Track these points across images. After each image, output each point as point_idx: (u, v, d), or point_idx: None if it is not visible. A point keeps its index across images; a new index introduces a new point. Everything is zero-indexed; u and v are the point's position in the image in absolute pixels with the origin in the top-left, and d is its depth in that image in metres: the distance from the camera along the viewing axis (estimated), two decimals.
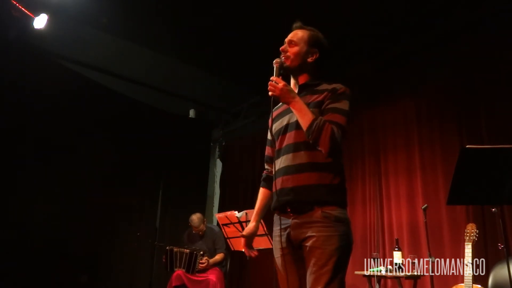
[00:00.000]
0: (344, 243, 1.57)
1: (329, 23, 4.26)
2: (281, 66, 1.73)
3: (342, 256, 1.55)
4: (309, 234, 1.58)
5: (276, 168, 1.73)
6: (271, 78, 1.65)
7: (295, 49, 1.79)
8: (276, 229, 1.73)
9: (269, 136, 1.92)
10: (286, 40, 1.83)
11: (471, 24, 3.84)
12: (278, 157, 1.75)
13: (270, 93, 1.63)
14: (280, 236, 1.70)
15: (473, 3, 3.76)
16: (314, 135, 1.57)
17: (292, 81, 1.85)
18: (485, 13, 3.74)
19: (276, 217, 1.75)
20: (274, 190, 1.72)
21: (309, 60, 1.79)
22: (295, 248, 1.65)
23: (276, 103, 1.70)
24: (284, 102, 1.66)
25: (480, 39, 3.77)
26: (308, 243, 1.58)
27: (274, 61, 1.73)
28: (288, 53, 1.79)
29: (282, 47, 1.81)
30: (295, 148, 1.68)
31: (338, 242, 1.55)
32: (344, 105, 1.67)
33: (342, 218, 1.60)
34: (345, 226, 1.60)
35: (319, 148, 1.59)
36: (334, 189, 1.62)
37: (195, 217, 4.76)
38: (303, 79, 1.81)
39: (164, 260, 4.63)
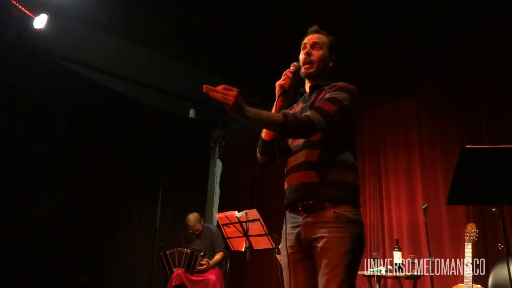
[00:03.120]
0: (357, 245, 1.54)
1: (329, 23, 4.26)
2: (296, 72, 1.69)
3: (354, 258, 1.53)
4: (320, 234, 1.55)
5: (289, 166, 1.72)
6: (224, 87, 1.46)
7: (320, 53, 1.76)
8: (285, 226, 1.70)
9: None
10: (308, 42, 1.79)
11: (471, 24, 3.84)
12: (291, 155, 1.73)
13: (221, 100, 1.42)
14: (290, 234, 1.67)
15: (473, 3, 3.76)
16: (290, 131, 1.51)
17: (307, 83, 1.84)
18: (485, 13, 3.74)
19: (287, 215, 1.71)
20: (285, 187, 1.71)
21: (330, 64, 1.80)
22: (303, 248, 1.62)
23: (285, 94, 1.66)
24: (235, 114, 1.43)
25: (480, 39, 3.78)
26: (319, 244, 1.55)
27: (292, 64, 1.71)
28: (312, 57, 1.75)
29: (306, 50, 1.77)
30: (307, 145, 1.65)
31: (351, 244, 1.52)
32: (338, 94, 1.61)
33: (355, 219, 1.57)
34: (358, 227, 1.57)
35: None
36: (347, 187, 1.59)
37: (192, 217, 4.75)
38: (317, 80, 1.80)
39: (160, 265, 4.60)
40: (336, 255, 1.51)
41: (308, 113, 1.55)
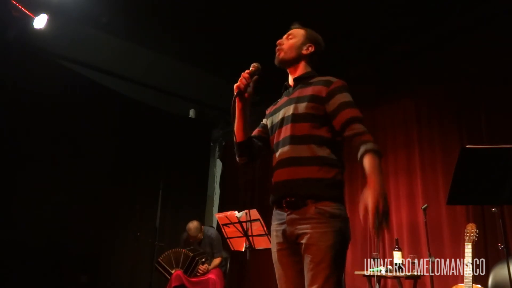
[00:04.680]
0: (340, 239, 1.55)
1: (329, 23, 4.27)
2: (254, 73, 1.73)
3: (338, 252, 1.54)
4: (303, 230, 1.57)
5: (275, 162, 1.74)
6: None
7: (291, 41, 1.82)
8: (273, 224, 1.74)
9: (263, 121, 1.93)
10: (285, 36, 1.86)
11: (471, 24, 3.84)
12: (276, 150, 1.75)
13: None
14: (277, 230, 1.69)
15: (473, 3, 3.76)
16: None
17: (290, 77, 1.86)
18: (484, 13, 3.74)
19: (274, 212, 1.74)
20: (272, 183, 1.73)
21: (304, 52, 1.81)
22: (291, 244, 1.64)
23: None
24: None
25: (480, 39, 3.78)
26: (303, 240, 1.56)
27: (252, 65, 1.74)
28: (283, 46, 1.82)
29: (279, 40, 1.84)
30: (291, 141, 1.67)
31: (333, 238, 1.53)
32: (348, 97, 1.67)
33: (337, 214, 1.57)
34: (341, 222, 1.58)
35: None
36: (329, 183, 1.60)
37: (192, 226, 4.66)
38: (298, 72, 1.82)
39: (158, 273, 4.57)
40: (319, 250, 1.52)
41: (357, 126, 1.58)
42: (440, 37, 4.05)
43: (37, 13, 4.12)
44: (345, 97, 1.66)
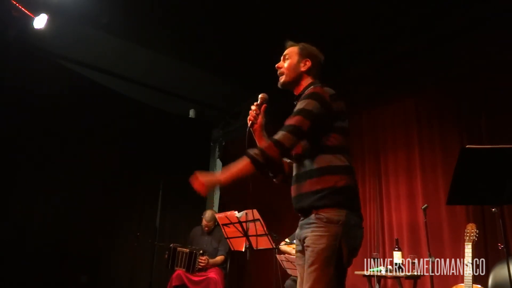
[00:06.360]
0: (335, 243, 1.59)
1: (329, 24, 4.28)
2: (262, 104, 1.88)
3: (330, 255, 1.58)
4: (305, 234, 1.68)
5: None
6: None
7: (288, 62, 1.89)
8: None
9: None
10: (282, 57, 1.94)
11: (471, 24, 3.84)
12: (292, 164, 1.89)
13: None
14: (296, 235, 1.83)
15: (473, 3, 3.76)
16: (266, 161, 1.61)
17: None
18: (485, 13, 3.74)
19: None
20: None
21: (302, 69, 1.87)
22: (303, 246, 1.74)
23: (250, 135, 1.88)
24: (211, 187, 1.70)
25: (480, 39, 3.78)
26: (305, 243, 1.68)
27: (259, 97, 1.88)
28: (282, 69, 1.89)
29: (277, 64, 1.92)
30: (295, 159, 1.81)
31: (327, 242, 1.59)
32: (302, 104, 1.70)
33: (335, 219, 1.61)
34: (338, 227, 1.61)
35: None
36: (329, 192, 1.65)
37: (209, 212, 4.90)
38: (299, 89, 1.88)
39: (166, 257, 4.65)
40: (313, 252, 1.61)
41: (276, 135, 1.65)
42: (440, 37, 4.05)
43: (37, 13, 4.12)
44: (299, 105, 1.71)
